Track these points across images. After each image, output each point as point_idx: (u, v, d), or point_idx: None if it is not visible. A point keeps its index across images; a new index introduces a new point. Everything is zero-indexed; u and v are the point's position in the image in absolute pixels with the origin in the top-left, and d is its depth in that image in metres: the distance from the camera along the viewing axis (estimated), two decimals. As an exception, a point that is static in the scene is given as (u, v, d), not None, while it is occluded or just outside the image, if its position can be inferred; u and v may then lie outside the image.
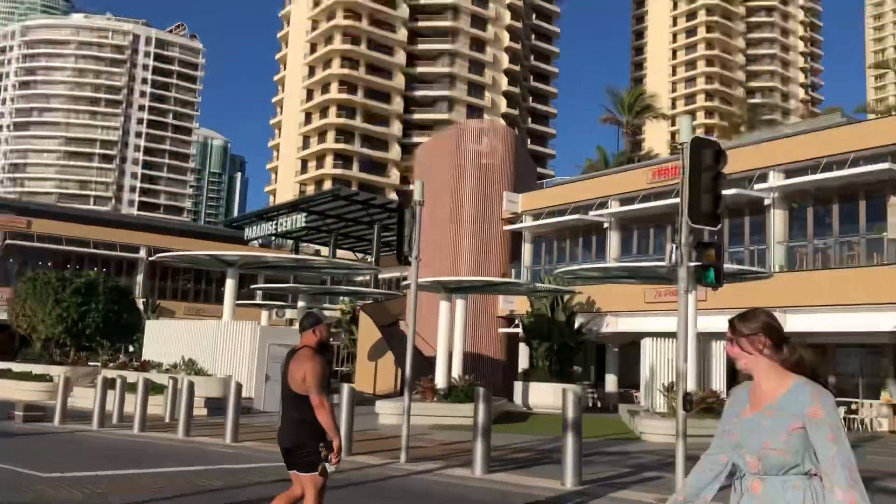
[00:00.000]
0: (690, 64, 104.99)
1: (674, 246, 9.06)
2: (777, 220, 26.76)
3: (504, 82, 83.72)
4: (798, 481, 2.69)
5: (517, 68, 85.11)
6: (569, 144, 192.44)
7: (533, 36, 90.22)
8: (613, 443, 16.02)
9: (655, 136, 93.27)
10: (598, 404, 30.81)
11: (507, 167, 36.35)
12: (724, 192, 27.23)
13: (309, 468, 5.08)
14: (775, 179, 26.50)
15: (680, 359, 9.06)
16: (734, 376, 31.86)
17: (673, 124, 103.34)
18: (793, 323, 25.32)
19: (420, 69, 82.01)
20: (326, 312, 43.57)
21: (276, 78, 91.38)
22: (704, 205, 8.82)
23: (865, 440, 19.30)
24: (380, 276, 44.42)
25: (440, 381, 20.98)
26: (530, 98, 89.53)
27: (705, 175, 8.86)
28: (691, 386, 18.92)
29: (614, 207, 31.57)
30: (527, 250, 36.28)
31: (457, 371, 22.94)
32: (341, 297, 41.93)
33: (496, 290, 27.89)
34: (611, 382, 31.54)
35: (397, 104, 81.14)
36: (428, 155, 38.60)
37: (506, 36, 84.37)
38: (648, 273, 22.72)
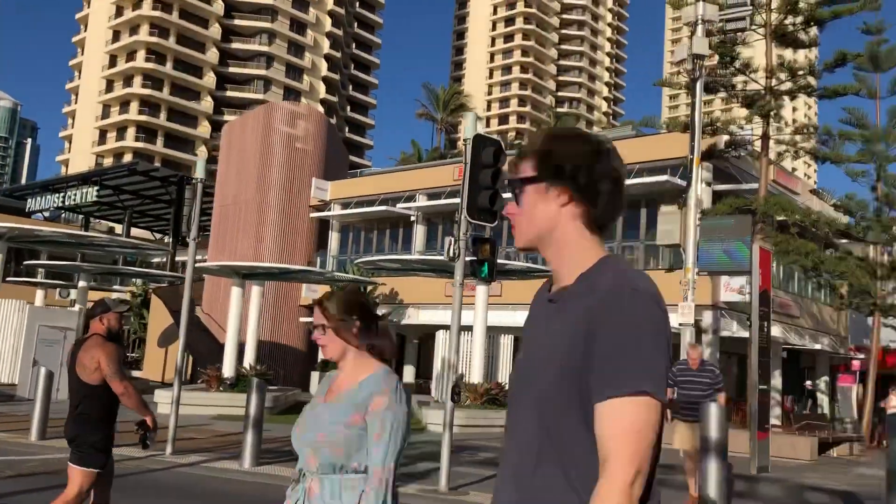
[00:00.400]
0: (506, 69, 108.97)
1: (452, 240, 9.16)
2: (570, 223, 28.25)
3: (324, 67, 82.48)
4: (356, 481, 2.37)
5: (338, 55, 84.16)
6: (389, 136, 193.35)
7: (356, 24, 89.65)
8: (398, 433, 16.10)
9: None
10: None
11: (318, 153, 35.75)
12: (523, 192, 28.24)
13: (78, 462, 4.77)
14: (570, 184, 27.94)
15: (451, 350, 9.17)
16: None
17: (487, 125, 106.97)
18: (578, 320, 26.92)
19: (236, 45, 78.87)
20: (115, 294, 40.75)
21: (75, 39, 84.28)
22: (482, 201, 8.97)
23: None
24: (178, 258, 42.21)
25: (228, 369, 20.17)
26: (350, 86, 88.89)
27: (484, 172, 9.01)
28: (477, 378, 19.53)
29: (421, 201, 31.97)
30: (334, 239, 35.89)
31: (249, 360, 22.20)
32: (133, 279, 39.41)
33: (295, 277, 27.31)
34: (409, 373, 31.95)
35: (209, 80, 77.51)
36: (235, 134, 37.09)
37: (328, 21, 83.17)
38: (445, 267, 23.07)
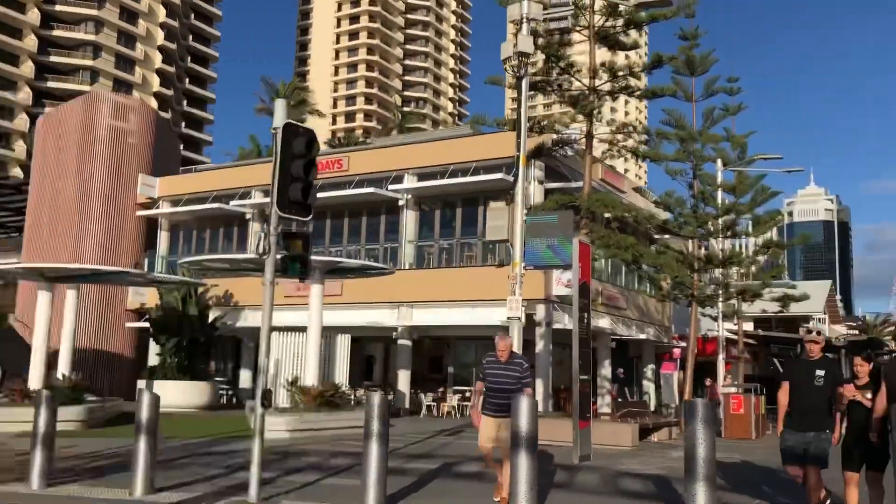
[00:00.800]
0: (352, 66, 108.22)
1: (262, 235, 8.65)
2: (409, 220, 28.19)
3: (158, 59, 78.26)
4: None
5: (173, 46, 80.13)
6: (230, 133, 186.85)
7: (192, 15, 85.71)
8: (225, 441, 15.30)
9: (317, 132, 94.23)
10: (234, 401, 29.84)
11: (146, 147, 33.75)
12: (362, 190, 27.73)
13: None
14: (409, 182, 27.88)
15: (262, 353, 8.65)
16: (370, 371, 33.15)
17: (334, 122, 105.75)
18: (419, 317, 26.89)
19: (58, 33, 73.24)
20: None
21: None
22: (294, 193, 8.53)
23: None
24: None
25: (35, 381, 18.47)
26: (187, 80, 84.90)
27: (296, 162, 8.57)
28: (312, 380, 18.96)
29: (257, 198, 30.84)
30: (163, 239, 34.00)
31: (63, 369, 20.49)
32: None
33: (109, 279, 25.50)
34: (246, 378, 30.72)
35: (27, 69, 71.46)
36: (52, 126, 34.32)
37: (161, 11, 78.98)
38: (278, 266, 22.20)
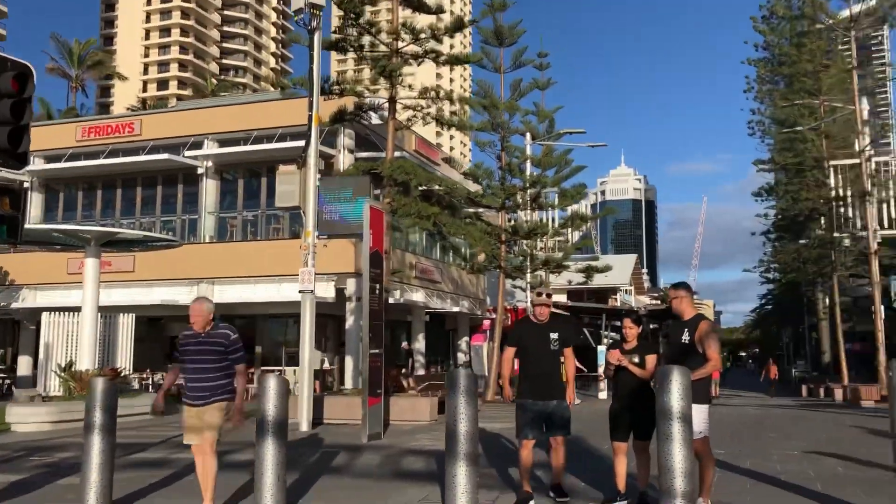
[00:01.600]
0: (165, 31, 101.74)
1: (-43, 191, 7.08)
2: (209, 190, 26.32)
3: (-68, 10, 69.36)
4: None
5: (-49, -3, 71.30)
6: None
7: (-26, -38, 76.58)
8: (-31, 439, 13.22)
9: (126, 99, 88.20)
10: (12, 389, 26.75)
11: None
12: (156, 156, 25.38)
13: None
14: (209, 148, 25.99)
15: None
16: (171, 354, 30.90)
17: (145, 89, 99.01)
18: (221, 294, 25.19)
19: None
20: None
21: None
22: (1, 140, 7.02)
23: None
24: None
25: None
26: (-30, 36, 75.87)
27: (3, 102, 7.05)
28: (88, 365, 17.02)
29: (38, 164, 27.68)
30: (-76, 210, 29.80)
31: None
32: None
33: None
34: (25, 365, 27.67)
35: None
36: None
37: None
38: (56, 240, 19.77)
